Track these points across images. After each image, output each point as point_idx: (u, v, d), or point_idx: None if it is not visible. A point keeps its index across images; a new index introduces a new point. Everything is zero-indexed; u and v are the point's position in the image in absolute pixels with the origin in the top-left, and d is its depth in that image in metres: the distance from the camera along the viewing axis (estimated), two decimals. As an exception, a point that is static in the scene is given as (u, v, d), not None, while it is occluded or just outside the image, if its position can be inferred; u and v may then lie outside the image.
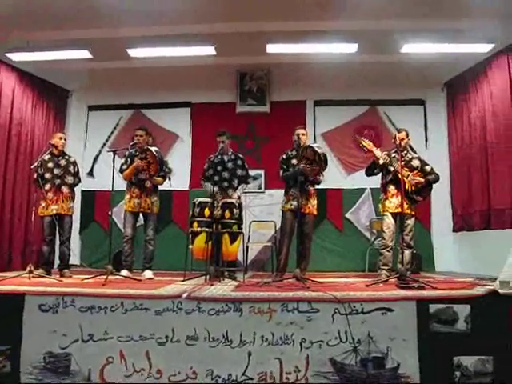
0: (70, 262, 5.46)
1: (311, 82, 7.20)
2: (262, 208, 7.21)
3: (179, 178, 7.09)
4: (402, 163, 4.74)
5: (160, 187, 5.42)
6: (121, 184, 5.25)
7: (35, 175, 5.19)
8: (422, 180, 4.92)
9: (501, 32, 5.58)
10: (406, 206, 4.75)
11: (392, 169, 4.89)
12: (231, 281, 4.58)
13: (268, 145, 7.29)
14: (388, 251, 4.89)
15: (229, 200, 4.87)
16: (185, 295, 3.30)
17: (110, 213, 5.06)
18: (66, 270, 5.25)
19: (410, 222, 4.87)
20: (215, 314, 3.22)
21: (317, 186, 5.18)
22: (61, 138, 5.36)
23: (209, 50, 6.09)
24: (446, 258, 6.95)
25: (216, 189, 5.00)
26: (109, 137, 7.62)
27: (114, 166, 4.71)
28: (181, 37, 5.86)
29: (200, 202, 4.72)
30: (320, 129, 7.42)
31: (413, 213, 4.91)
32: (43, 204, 5.18)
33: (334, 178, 6.96)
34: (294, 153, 5.05)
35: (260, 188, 7.33)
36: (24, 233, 6.42)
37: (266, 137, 7.37)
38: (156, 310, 3.24)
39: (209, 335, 3.18)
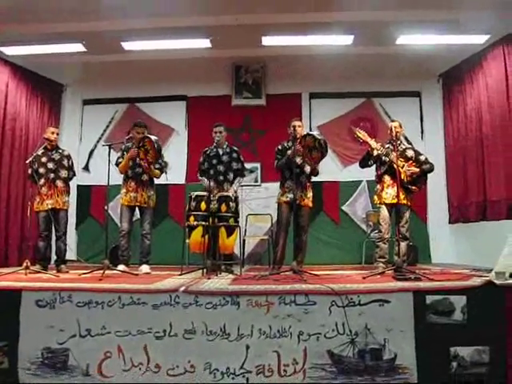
0: (67, 258, 5.45)
1: (307, 74, 7.19)
2: (259, 201, 7.21)
3: (175, 172, 7.07)
4: (397, 153, 4.73)
5: (156, 181, 5.39)
6: (117, 178, 5.22)
7: (30, 170, 5.16)
8: (417, 170, 4.94)
9: (496, 23, 5.58)
10: (402, 196, 4.76)
11: (387, 159, 4.90)
12: (228, 274, 4.57)
13: (264, 138, 7.27)
14: (384, 243, 4.91)
15: (225, 193, 4.85)
16: (182, 289, 3.29)
17: (105, 207, 5.05)
18: (62, 266, 5.24)
19: (406, 213, 4.89)
20: (212, 308, 3.21)
21: (313, 179, 5.18)
22: (53, 133, 5.32)
23: (204, 43, 6.08)
24: (442, 250, 6.99)
25: (212, 183, 5.00)
26: (104, 131, 7.58)
27: (109, 160, 4.68)
28: (176, 29, 5.84)
29: (196, 196, 4.71)
30: (316, 121, 7.40)
31: (409, 203, 4.93)
32: (38, 199, 5.16)
33: (330, 170, 6.97)
34: (290, 144, 5.03)
35: (256, 181, 7.33)
36: (20, 228, 6.39)
37: (262, 130, 7.35)
38: (153, 304, 3.23)
39: (206, 329, 3.17)
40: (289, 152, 4.94)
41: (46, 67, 6.96)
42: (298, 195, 4.91)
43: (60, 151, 5.38)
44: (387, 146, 5.00)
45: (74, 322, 3.21)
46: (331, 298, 3.20)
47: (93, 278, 4.11)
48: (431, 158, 5.20)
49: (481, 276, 3.72)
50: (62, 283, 3.60)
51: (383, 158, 4.93)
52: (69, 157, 5.42)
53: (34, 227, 5.42)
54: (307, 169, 5.00)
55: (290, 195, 4.89)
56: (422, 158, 5.07)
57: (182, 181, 7.26)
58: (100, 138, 7.55)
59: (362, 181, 7.08)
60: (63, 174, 5.30)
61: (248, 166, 6.59)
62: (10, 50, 6.10)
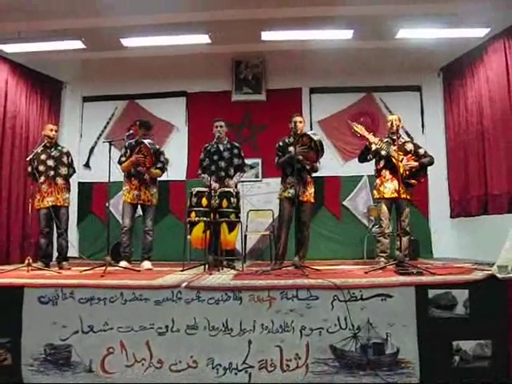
0: (69, 255, 5.46)
1: (307, 69, 7.16)
2: (260, 197, 7.21)
3: (176, 169, 7.04)
4: (396, 147, 4.72)
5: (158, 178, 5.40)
6: (118, 175, 5.22)
7: (29, 168, 5.17)
8: (416, 164, 4.93)
9: (497, 16, 5.54)
10: (401, 190, 4.75)
11: (384, 153, 4.89)
12: (230, 270, 4.58)
13: (264, 133, 7.26)
14: (385, 238, 4.91)
15: (226, 189, 4.84)
16: (184, 285, 3.29)
17: (107, 204, 5.04)
18: (64, 262, 5.25)
19: (406, 207, 4.88)
20: (215, 303, 3.22)
21: (314, 174, 5.17)
22: (52, 130, 5.33)
23: (203, 39, 6.04)
24: (443, 244, 6.98)
25: (213, 179, 5.01)
26: (104, 127, 7.57)
27: (110, 157, 4.68)
28: (175, 25, 5.80)
29: (197, 192, 4.70)
30: (316, 116, 7.39)
31: (408, 197, 4.92)
32: (38, 197, 5.17)
33: (331, 165, 6.97)
34: (292, 140, 5.02)
35: (257, 177, 7.32)
36: (21, 226, 6.39)
37: (263, 125, 7.34)
38: (155, 300, 3.24)
39: (209, 324, 3.18)
40: (290, 148, 4.93)
41: (46, 64, 6.94)
42: (300, 191, 4.90)
43: (59, 148, 5.38)
44: (386, 139, 4.99)
45: (77, 318, 3.22)
46: (333, 293, 3.20)
47: (95, 274, 4.12)
48: (432, 152, 5.19)
49: (483, 270, 3.72)
50: (64, 280, 3.61)
51: (382, 152, 4.93)
52: (68, 154, 5.42)
53: (36, 225, 5.43)
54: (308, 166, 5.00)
55: (292, 191, 4.88)
56: (421, 151, 5.06)
57: (183, 177, 7.26)
58: (100, 135, 7.55)
59: (362, 176, 7.07)
60: (63, 171, 5.30)
61: (249, 161, 6.58)
62: (10, 48, 6.07)
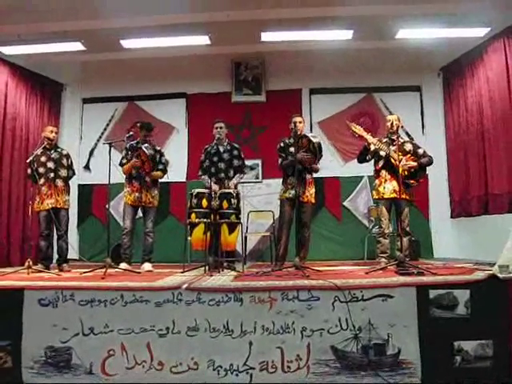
0: (69, 257, 5.45)
1: (307, 70, 7.17)
2: (260, 198, 7.20)
3: (176, 170, 7.02)
4: (395, 148, 4.71)
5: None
6: (118, 177, 5.21)
7: (29, 170, 5.16)
8: (415, 164, 4.92)
9: (496, 16, 5.54)
10: (401, 190, 4.73)
11: (383, 154, 4.88)
12: (230, 271, 4.58)
13: (264, 134, 7.27)
14: (385, 238, 4.91)
15: (226, 190, 4.84)
16: (184, 286, 3.29)
17: (107, 206, 5.04)
18: (64, 265, 5.24)
19: (406, 207, 4.88)
20: (215, 305, 3.21)
21: (314, 175, 5.16)
22: (52, 131, 5.32)
23: (203, 40, 6.04)
24: (444, 244, 6.97)
25: (213, 180, 5.01)
26: (104, 129, 7.57)
27: (110, 159, 4.67)
28: (175, 26, 5.80)
29: (198, 193, 4.69)
30: (316, 117, 7.39)
31: (407, 197, 4.91)
32: (38, 199, 5.16)
33: (331, 166, 6.97)
34: (292, 141, 5.01)
35: (257, 178, 7.31)
36: (22, 228, 6.38)
37: (263, 126, 7.34)
38: (156, 301, 3.23)
39: (209, 326, 3.17)
40: (291, 149, 4.93)
41: (45, 66, 6.94)
42: (301, 192, 4.89)
43: (59, 150, 5.38)
44: (385, 140, 4.99)
45: (77, 320, 3.21)
46: (334, 294, 3.20)
47: (95, 276, 4.11)
48: (432, 153, 5.18)
49: (484, 270, 3.72)
50: (64, 282, 3.61)
51: (381, 152, 4.92)
52: (68, 156, 5.42)
53: (36, 227, 5.42)
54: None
55: (293, 192, 4.87)
56: (421, 151, 5.05)
57: (183, 178, 7.26)
58: (100, 137, 7.55)
59: (363, 176, 7.06)
60: (63, 173, 5.29)
61: (249, 162, 6.57)
62: (9, 50, 6.08)
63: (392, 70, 7.16)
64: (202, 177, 5.26)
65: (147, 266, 5.05)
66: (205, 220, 4.58)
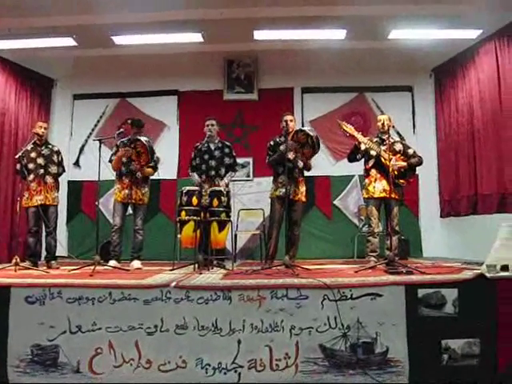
0: (57, 254, 5.41)
1: (299, 68, 7.17)
2: (251, 196, 7.19)
3: (167, 167, 7.00)
4: (385, 147, 4.73)
5: (148, 176, 5.37)
6: (108, 174, 5.19)
7: (18, 166, 5.10)
8: (405, 164, 4.94)
9: (489, 18, 5.57)
10: (390, 189, 4.74)
11: (374, 153, 4.90)
12: (220, 269, 4.57)
13: (256, 132, 7.24)
14: (374, 237, 4.92)
15: (217, 188, 4.83)
16: (173, 284, 3.28)
17: (96, 203, 5.00)
18: (53, 262, 5.20)
19: (395, 207, 4.89)
20: (204, 303, 3.20)
21: (305, 173, 5.16)
22: (41, 127, 5.28)
23: (196, 37, 6.02)
24: (433, 244, 7.01)
25: (203, 178, 5.01)
26: (95, 126, 7.50)
27: (100, 156, 4.64)
28: (167, 23, 5.78)
29: (188, 191, 4.68)
30: (308, 116, 7.39)
31: (397, 197, 4.93)
32: (27, 195, 5.11)
33: (322, 165, 6.96)
34: (283, 139, 5.00)
35: (248, 176, 7.30)
36: (10, 225, 6.31)
37: (254, 124, 7.32)
38: (144, 299, 3.21)
39: (198, 324, 3.17)
40: (281, 147, 4.91)
41: (36, 62, 6.87)
42: (291, 190, 4.89)
43: (50, 146, 5.33)
44: (375, 139, 5.00)
45: (65, 318, 3.19)
46: (323, 292, 3.20)
47: (83, 273, 4.08)
48: (423, 152, 5.20)
49: (472, 269, 3.75)
50: (51, 279, 3.58)
51: (371, 151, 4.93)
52: (58, 152, 5.38)
53: (23, 223, 5.37)
54: (300, 164, 4.98)
55: (283, 190, 4.86)
56: (411, 151, 5.07)
57: (174, 176, 7.23)
58: (91, 133, 7.47)
59: (353, 175, 7.07)
60: (53, 169, 5.25)
61: (240, 160, 6.54)
62: (-1, 44, 6.02)
63: (384, 70, 7.17)
64: (191, 174, 5.24)
65: (136, 263, 5.02)
66: (195, 218, 4.57)
